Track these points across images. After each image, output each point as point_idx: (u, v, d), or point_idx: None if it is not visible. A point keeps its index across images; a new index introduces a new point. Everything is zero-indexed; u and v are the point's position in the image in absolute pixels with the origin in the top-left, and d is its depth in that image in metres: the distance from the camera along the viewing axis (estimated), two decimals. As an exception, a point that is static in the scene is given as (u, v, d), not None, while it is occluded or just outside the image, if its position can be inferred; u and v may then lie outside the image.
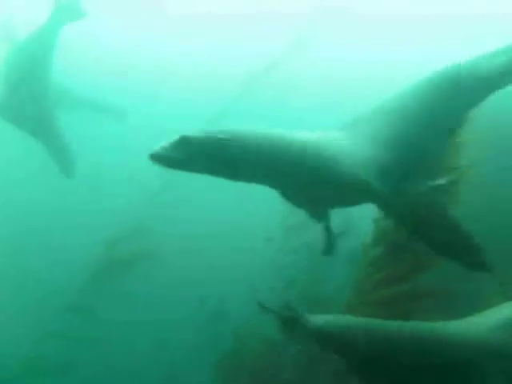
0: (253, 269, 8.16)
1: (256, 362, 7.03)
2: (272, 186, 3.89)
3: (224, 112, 10.13)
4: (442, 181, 4.71)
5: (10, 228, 10.31)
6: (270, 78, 10.63)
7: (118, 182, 10.20)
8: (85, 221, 9.86)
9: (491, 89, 4.39)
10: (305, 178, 3.63)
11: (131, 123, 9.93)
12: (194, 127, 3.59)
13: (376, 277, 5.15)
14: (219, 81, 11.25)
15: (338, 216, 4.44)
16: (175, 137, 3.49)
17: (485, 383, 3.77)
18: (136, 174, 9.39)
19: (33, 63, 7.84)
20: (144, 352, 9.24)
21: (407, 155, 4.00)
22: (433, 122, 4.11)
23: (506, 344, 3.79)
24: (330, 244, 4.17)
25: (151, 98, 11.65)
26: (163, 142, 3.46)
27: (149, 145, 3.52)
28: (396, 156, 3.92)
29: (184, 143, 3.40)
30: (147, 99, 11.36)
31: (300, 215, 6.07)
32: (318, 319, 3.75)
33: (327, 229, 4.19)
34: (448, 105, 4.15)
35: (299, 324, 3.72)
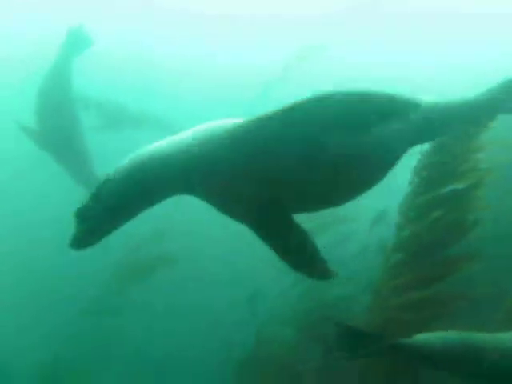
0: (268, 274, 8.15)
1: (277, 366, 7.02)
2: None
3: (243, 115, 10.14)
4: (460, 185, 4.78)
5: (32, 233, 10.47)
6: (289, 81, 10.64)
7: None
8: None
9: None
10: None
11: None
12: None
13: (397, 282, 5.13)
14: (238, 84, 11.29)
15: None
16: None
17: None
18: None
19: (56, 94, 8.16)
20: (165, 356, 9.27)
21: None
22: None
23: None
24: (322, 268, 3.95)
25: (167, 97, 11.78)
26: None
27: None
28: None
29: None
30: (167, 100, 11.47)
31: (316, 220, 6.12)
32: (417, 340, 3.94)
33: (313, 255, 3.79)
34: None
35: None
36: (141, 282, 9.16)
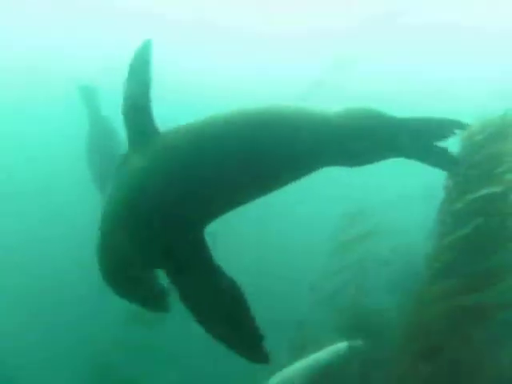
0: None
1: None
2: None
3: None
4: (497, 188, 4.72)
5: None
6: (317, 95, 10.71)
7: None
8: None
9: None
10: None
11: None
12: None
13: (438, 289, 5.07)
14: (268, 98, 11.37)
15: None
16: None
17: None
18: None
19: (104, 147, 8.54)
20: (209, 364, 9.32)
21: None
22: None
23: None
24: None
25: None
26: None
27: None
28: None
29: None
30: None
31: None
32: None
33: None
34: None
35: None
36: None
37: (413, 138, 4.22)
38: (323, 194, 10.17)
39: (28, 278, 10.94)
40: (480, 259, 4.89)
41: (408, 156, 4.32)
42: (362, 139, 3.99)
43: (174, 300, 3.73)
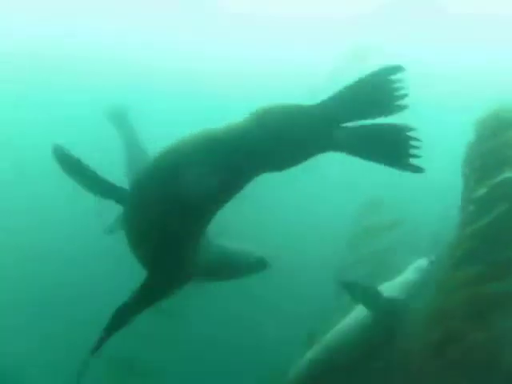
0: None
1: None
2: None
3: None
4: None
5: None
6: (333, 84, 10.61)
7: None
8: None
9: None
10: None
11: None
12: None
13: (460, 277, 5.08)
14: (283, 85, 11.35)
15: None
16: None
17: None
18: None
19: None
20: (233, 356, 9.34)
21: None
22: None
23: None
24: None
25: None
26: None
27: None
28: None
29: None
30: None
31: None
32: None
33: None
34: None
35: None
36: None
37: (353, 121, 3.62)
38: (344, 182, 10.12)
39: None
40: (501, 248, 4.88)
41: (352, 152, 3.68)
42: (279, 143, 3.73)
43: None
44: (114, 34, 14.36)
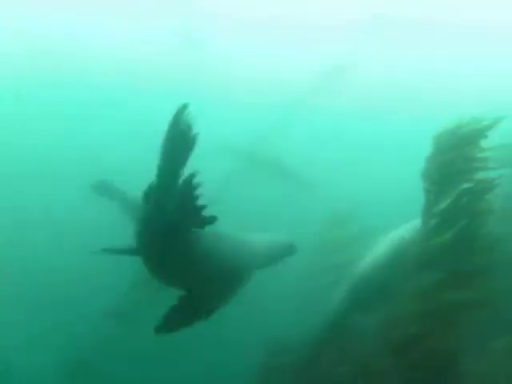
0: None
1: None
2: None
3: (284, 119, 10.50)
4: (469, 184, 4.88)
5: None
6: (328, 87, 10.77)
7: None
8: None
9: None
10: None
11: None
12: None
13: (421, 283, 5.15)
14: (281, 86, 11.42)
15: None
16: None
17: None
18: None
19: None
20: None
21: None
22: None
23: None
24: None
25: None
26: None
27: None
28: None
29: None
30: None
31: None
32: None
33: None
34: None
35: None
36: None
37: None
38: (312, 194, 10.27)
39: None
40: (462, 258, 5.04)
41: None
42: None
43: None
44: (114, 33, 14.39)
